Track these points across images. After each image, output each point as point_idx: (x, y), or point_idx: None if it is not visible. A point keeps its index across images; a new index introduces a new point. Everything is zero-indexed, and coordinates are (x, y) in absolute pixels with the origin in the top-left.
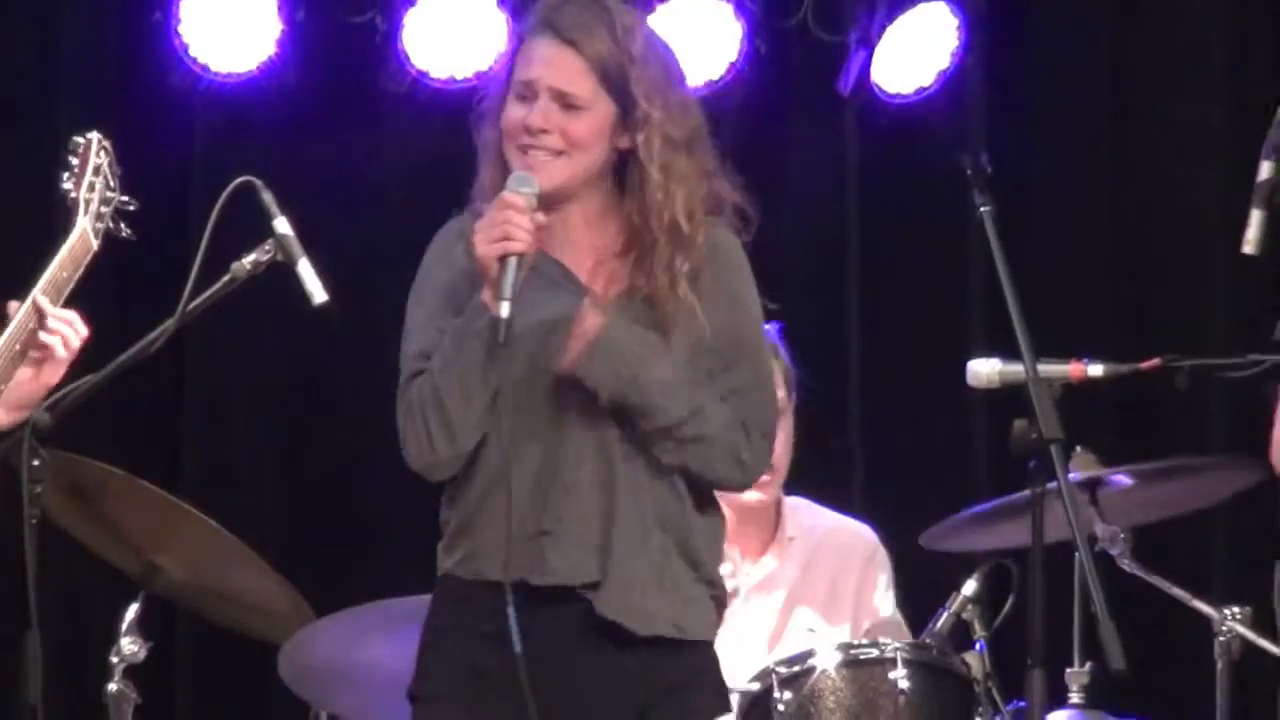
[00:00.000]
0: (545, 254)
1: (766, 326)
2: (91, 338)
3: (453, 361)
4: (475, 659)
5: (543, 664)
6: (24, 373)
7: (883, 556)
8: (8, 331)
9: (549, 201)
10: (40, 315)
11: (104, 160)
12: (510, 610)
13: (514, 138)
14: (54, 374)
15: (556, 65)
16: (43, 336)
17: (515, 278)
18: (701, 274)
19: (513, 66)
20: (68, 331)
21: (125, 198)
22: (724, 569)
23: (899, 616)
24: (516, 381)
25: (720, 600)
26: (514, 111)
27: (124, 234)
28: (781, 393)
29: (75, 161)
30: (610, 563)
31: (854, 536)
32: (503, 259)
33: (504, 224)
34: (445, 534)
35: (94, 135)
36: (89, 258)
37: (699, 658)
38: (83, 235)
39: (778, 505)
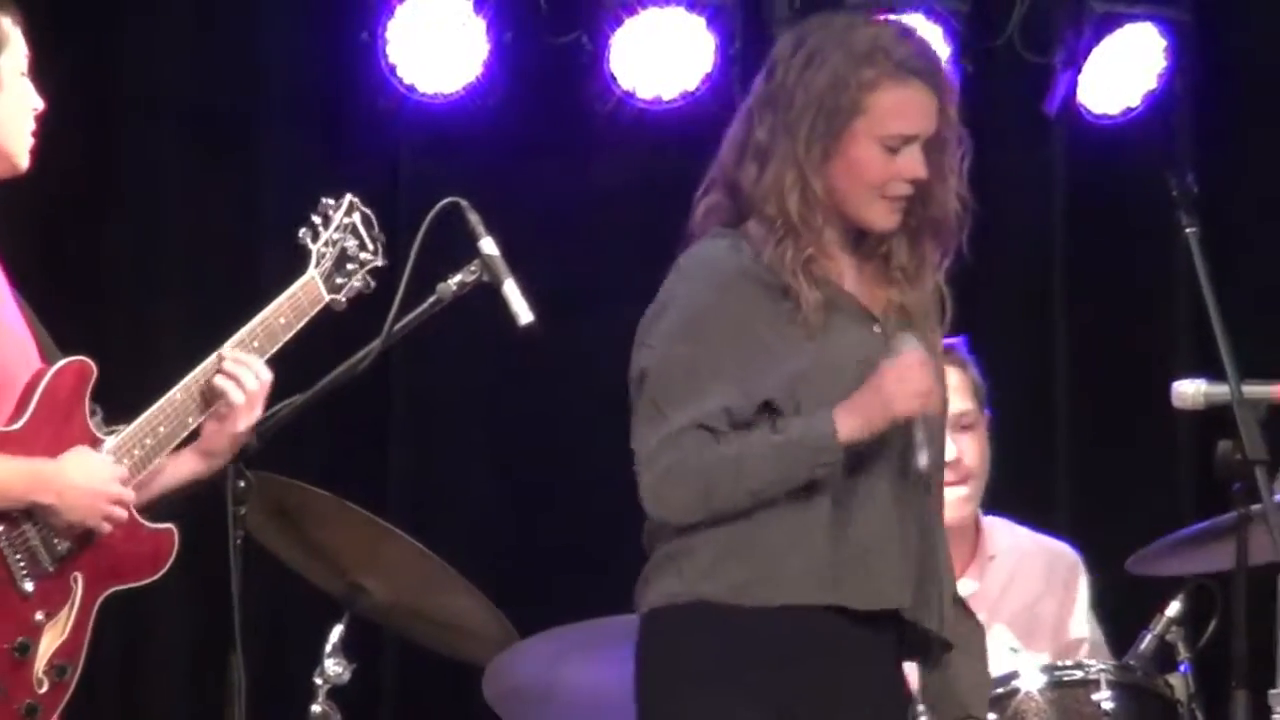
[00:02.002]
0: (839, 289)
1: (954, 339)
2: (297, 360)
3: (775, 477)
4: (775, 698)
5: (860, 693)
6: (212, 423)
7: (1084, 578)
8: (192, 373)
9: (864, 241)
10: (220, 359)
11: (355, 219)
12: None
13: (884, 187)
14: (237, 421)
15: (930, 115)
16: (216, 380)
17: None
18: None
19: (858, 105)
20: (244, 374)
21: (380, 260)
22: None
23: (1098, 635)
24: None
25: None
26: (887, 163)
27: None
28: (969, 405)
29: (318, 219)
30: (919, 580)
31: (1057, 557)
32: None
33: (924, 383)
34: (697, 555)
35: (349, 197)
36: (316, 309)
37: None
38: (309, 286)
39: (976, 523)
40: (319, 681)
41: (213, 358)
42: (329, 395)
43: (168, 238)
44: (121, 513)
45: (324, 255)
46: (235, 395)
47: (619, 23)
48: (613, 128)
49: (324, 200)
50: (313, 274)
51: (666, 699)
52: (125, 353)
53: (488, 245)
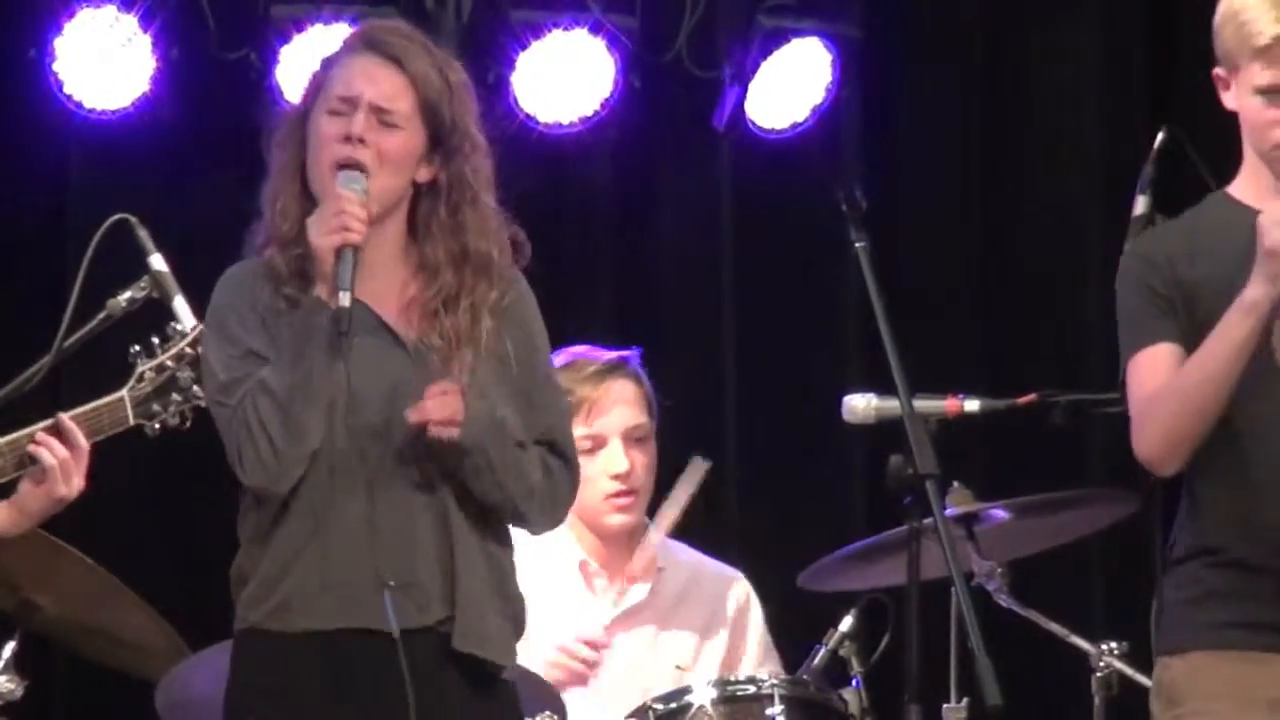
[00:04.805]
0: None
1: (628, 352)
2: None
3: (293, 361)
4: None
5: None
6: (27, 483)
7: (757, 612)
8: (21, 432)
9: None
10: (56, 427)
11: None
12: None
13: (328, 153)
14: (53, 488)
15: (378, 80)
16: (30, 446)
17: (351, 270)
18: (507, 312)
19: (318, 90)
20: (55, 444)
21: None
22: (598, 593)
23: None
24: (339, 432)
25: (519, 632)
26: (329, 126)
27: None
28: (644, 419)
29: (156, 340)
30: (459, 604)
31: (728, 583)
32: (339, 251)
33: (339, 215)
34: (246, 584)
35: (201, 328)
36: (118, 430)
37: (512, 690)
38: (115, 406)
39: (646, 532)
40: None
41: (49, 421)
42: None
43: None
44: None
45: (144, 378)
46: (47, 459)
47: (287, 39)
48: None
49: (173, 325)
50: (122, 395)
51: None
52: None
53: (157, 261)
